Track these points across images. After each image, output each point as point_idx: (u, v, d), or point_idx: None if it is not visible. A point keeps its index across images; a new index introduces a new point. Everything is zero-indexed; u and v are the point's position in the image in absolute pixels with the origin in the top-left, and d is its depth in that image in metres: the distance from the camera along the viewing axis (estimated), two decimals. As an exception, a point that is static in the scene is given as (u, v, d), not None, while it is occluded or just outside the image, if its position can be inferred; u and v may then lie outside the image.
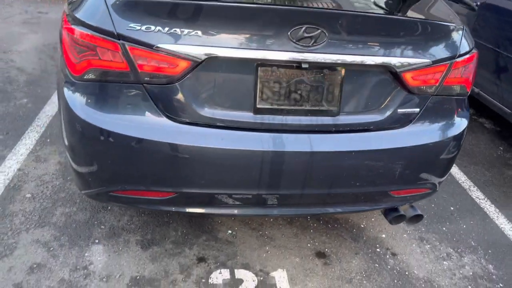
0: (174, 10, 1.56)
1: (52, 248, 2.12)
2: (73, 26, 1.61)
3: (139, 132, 1.64)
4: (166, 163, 1.68)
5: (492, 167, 3.43)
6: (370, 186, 1.88)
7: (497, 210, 2.90)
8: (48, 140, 2.99)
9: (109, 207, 2.42)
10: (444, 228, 2.64)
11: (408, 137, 1.85)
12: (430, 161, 1.93)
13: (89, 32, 1.57)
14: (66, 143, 1.76)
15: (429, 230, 2.60)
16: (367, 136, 1.81)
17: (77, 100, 1.65)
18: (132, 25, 1.54)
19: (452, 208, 2.84)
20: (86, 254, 2.12)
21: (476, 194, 3.05)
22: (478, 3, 4.02)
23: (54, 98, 3.57)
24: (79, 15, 1.62)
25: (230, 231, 2.37)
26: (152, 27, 1.54)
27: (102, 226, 2.30)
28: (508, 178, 3.31)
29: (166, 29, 1.55)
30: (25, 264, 2.02)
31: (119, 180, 1.74)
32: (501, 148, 3.76)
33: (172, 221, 2.38)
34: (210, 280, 2.06)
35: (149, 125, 1.65)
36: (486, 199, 3.00)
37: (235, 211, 1.90)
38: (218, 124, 1.68)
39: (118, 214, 2.39)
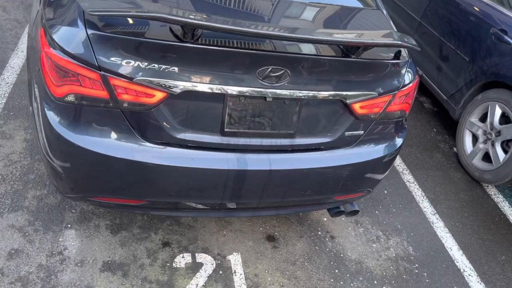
0: (152, 48, 1.69)
1: (27, 234, 2.32)
2: (55, 52, 1.71)
3: (117, 152, 1.82)
4: (141, 178, 1.88)
5: (424, 149, 3.87)
6: (318, 195, 2.20)
7: (423, 193, 3.35)
8: (12, 113, 3.04)
9: (78, 190, 2.60)
10: (376, 212, 3.07)
11: (353, 155, 2.14)
12: (369, 173, 2.26)
13: (71, 60, 1.68)
14: (50, 155, 1.90)
15: (364, 214, 3.01)
16: (318, 155, 2.09)
17: (58, 120, 1.78)
18: (113, 58, 1.67)
19: (385, 192, 3.26)
20: (60, 240, 2.33)
21: (408, 177, 3.48)
22: (430, -10, 4.25)
23: (12, 62, 3.53)
24: (59, 40, 1.70)
25: (190, 217, 2.65)
26: (132, 62, 1.68)
27: (73, 210, 2.50)
28: (436, 161, 3.76)
29: (145, 64, 1.69)
30: (3, 250, 2.21)
31: (97, 190, 1.94)
32: (435, 130, 4.20)
33: (138, 205, 2.61)
34: (174, 264, 2.36)
35: (126, 145, 1.83)
36: (415, 182, 3.44)
37: (199, 214, 2.17)
38: (189, 145, 1.89)
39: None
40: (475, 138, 3.71)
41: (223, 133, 1.91)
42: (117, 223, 2.50)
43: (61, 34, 1.72)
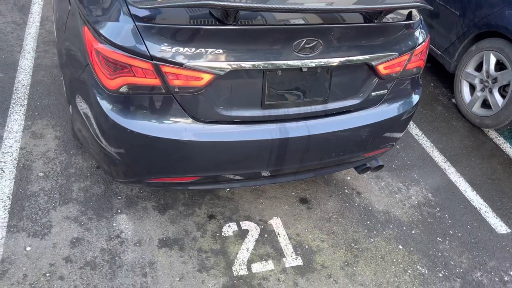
0: (198, 34, 1.82)
1: (83, 223, 2.46)
2: (105, 46, 1.83)
3: (171, 133, 1.97)
4: (195, 156, 2.04)
5: (426, 104, 4.09)
6: (350, 154, 2.39)
7: (432, 144, 3.58)
8: (36, 113, 3.13)
9: (119, 178, 2.75)
10: (393, 166, 3.29)
11: (380, 113, 2.33)
12: (394, 129, 2.46)
13: (123, 53, 1.80)
14: (104, 144, 2.04)
15: (383, 169, 3.23)
16: (349, 116, 2.27)
17: (112, 109, 1.92)
18: (163, 47, 1.80)
19: (398, 147, 3.48)
20: (114, 224, 2.49)
21: (415, 131, 3.70)
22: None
23: (22, 64, 3.59)
24: (108, 34, 1.82)
25: (228, 189, 2.83)
26: (181, 48, 1.81)
27: (119, 197, 2.65)
28: (438, 113, 3.99)
29: (193, 49, 1.83)
30: (65, 239, 2.36)
31: (155, 172, 2.10)
32: (432, 85, 4.42)
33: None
34: (222, 234, 2.55)
35: (179, 126, 1.98)
36: (423, 135, 3.67)
37: (247, 184, 2.35)
38: (235, 120, 2.05)
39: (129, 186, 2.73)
40: (472, 88, 3.94)
41: (264, 106, 2.07)
42: (162, 203, 2.66)
43: (110, 29, 1.83)
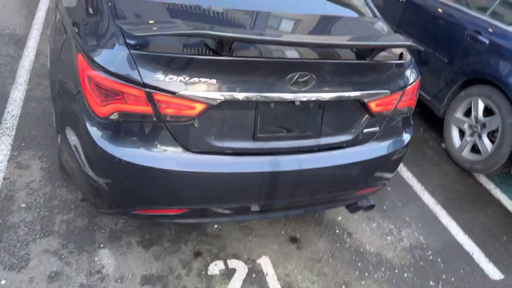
0: (192, 63, 1.83)
1: (63, 256, 2.36)
2: (98, 73, 1.81)
3: (160, 163, 1.93)
4: (183, 187, 1.99)
5: (416, 147, 4.11)
6: (342, 191, 2.36)
7: (422, 187, 3.57)
8: (23, 144, 3.07)
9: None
10: (384, 207, 3.25)
11: (372, 150, 2.33)
12: (385, 167, 2.44)
13: (116, 80, 1.79)
14: (90, 173, 1.98)
15: (374, 210, 3.18)
16: (341, 152, 2.25)
17: (104, 137, 1.88)
18: (157, 75, 1.79)
19: (389, 188, 3.46)
20: (96, 259, 2.38)
21: (406, 174, 3.69)
22: (403, 0, 4.57)
23: (14, 95, 3.57)
24: (102, 61, 1.82)
25: (216, 225, 2.75)
26: (174, 77, 1.81)
27: (102, 231, 2.55)
28: (428, 157, 4.01)
29: (186, 78, 1.82)
30: (43, 273, 2.25)
31: (141, 203, 2.03)
32: (422, 129, 4.46)
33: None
34: (209, 272, 2.45)
35: (169, 156, 1.94)
36: (413, 177, 3.66)
37: (236, 218, 2.29)
38: (226, 152, 2.02)
39: (114, 218, 2.65)
40: (461, 133, 3.98)
41: (256, 139, 2.05)
42: (147, 238, 2.57)
43: (104, 56, 1.83)
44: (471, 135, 3.85)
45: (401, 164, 3.76)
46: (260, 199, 2.15)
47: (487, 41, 3.67)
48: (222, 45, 1.80)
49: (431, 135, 4.39)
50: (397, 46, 2.09)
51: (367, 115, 2.25)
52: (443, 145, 4.19)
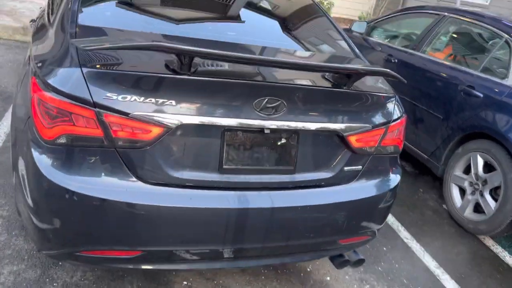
0: (149, 82, 1.68)
1: (3, 311, 2.05)
2: (46, 93, 1.67)
3: (111, 194, 1.70)
4: (136, 223, 1.75)
5: (415, 208, 3.83)
6: (322, 236, 2.08)
7: (422, 248, 3.24)
8: (-14, 192, 2.87)
9: (60, 263, 2.38)
10: (379, 268, 2.91)
11: (354, 191, 2.09)
12: (371, 212, 2.18)
13: (64, 99, 1.64)
14: (31, 204, 1.76)
15: (368, 271, 2.85)
16: (319, 192, 2.02)
17: (48, 164, 1.68)
18: (108, 94, 1.64)
19: (385, 249, 3.14)
20: (41, 315, 2.07)
21: (404, 234, 3.38)
22: (396, 60, 4.55)
23: (-11, 145, 3.43)
24: (52, 81, 1.68)
25: (185, 282, 2.44)
26: (128, 97, 1.65)
27: (54, 284, 2.25)
28: (428, 218, 3.71)
29: (142, 98, 1.66)
30: (-25, 330, 1.93)
31: (87, 241, 1.78)
32: (421, 190, 4.21)
33: (127, 275, 2.40)
34: (171, 334, 2.11)
35: (120, 187, 1.72)
36: (412, 238, 3.34)
37: (199, 265, 2.00)
38: (187, 184, 1.80)
39: (71, 269, 2.36)
40: (462, 191, 3.72)
41: (222, 170, 1.84)
42: (104, 294, 2.26)
43: (54, 75, 1.70)
44: (472, 193, 3.58)
45: (398, 224, 3.47)
46: (226, 241, 1.88)
47: (481, 95, 3.55)
48: (182, 63, 1.66)
49: (431, 196, 4.12)
50: (372, 72, 1.94)
51: (347, 151, 2.05)
52: (444, 206, 3.91)
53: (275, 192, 1.93)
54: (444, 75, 3.99)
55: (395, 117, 2.15)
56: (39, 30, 2.35)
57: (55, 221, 1.73)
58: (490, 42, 3.88)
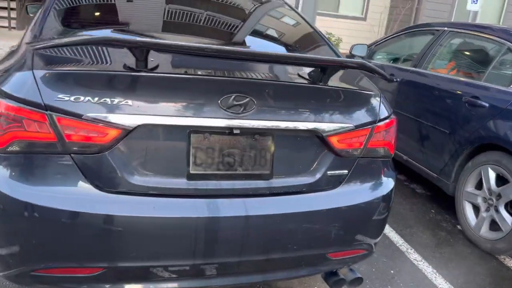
0: (103, 81, 1.58)
1: None
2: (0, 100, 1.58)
3: (66, 204, 1.57)
4: (95, 236, 1.60)
5: (426, 229, 3.56)
6: (307, 249, 1.88)
7: (434, 270, 2.96)
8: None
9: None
10: (386, 292, 2.65)
11: (340, 198, 1.90)
12: (363, 221, 1.98)
13: (15, 104, 1.55)
14: None
15: (372, 295, 2.60)
16: (300, 198, 1.84)
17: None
18: (60, 96, 1.54)
19: (392, 272, 2.88)
20: None
21: (414, 256, 3.12)
22: (399, 79, 4.42)
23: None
24: (5, 88, 1.60)
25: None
26: (81, 97, 1.55)
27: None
28: (441, 239, 3.43)
29: (96, 99, 1.56)
30: None
31: (43, 258, 1.62)
32: (433, 211, 3.94)
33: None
34: None
35: (76, 196, 1.59)
36: (423, 260, 3.07)
37: (172, 285, 1.81)
38: (150, 192, 1.65)
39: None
40: (476, 209, 3.46)
41: (189, 176, 1.70)
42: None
43: (8, 81, 1.61)
44: (487, 209, 3.32)
45: (408, 246, 3.21)
46: (197, 255, 1.71)
47: (486, 105, 3.36)
48: (138, 59, 1.56)
49: (444, 217, 3.85)
50: (348, 64, 1.81)
51: (330, 154, 1.88)
52: (459, 226, 3.63)
53: (250, 199, 1.77)
54: (447, 88, 3.82)
55: (381, 117, 1.99)
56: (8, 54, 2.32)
57: (5, 236, 1.60)
58: (492, 52, 3.73)
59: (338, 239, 1.92)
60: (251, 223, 1.74)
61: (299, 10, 8.48)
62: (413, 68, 4.34)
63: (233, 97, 1.67)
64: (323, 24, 10.42)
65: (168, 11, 2.30)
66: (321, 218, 1.85)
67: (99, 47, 1.70)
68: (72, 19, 2.13)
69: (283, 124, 1.76)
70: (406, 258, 3.08)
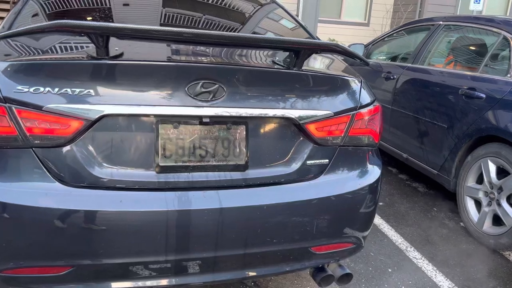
0: (63, 71, 1.53)
1: None
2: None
3: (28, 200, 1.51)
4: (61, 232, 1.53)
5: (427, 227, 3.44)
6: (288, 243, 1.79)
7: (435, 268, 2.84)
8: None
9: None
10: (382, 291, 2.54)
11: (320, 188, 1.82)
12: (346, 213, 1.89)
13: None
14: None
15: (368, 294, 2.49)
16: (278, 189, 1.76)
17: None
18: (19, 87, 1.49)
19: (390, 270, 2.76)
20: None
21: (413, 254, 3.00)
22: (395, 77, 4.33)
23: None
24: None
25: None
26: (41, 89, 1.50)
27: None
28: (443, 237, 3.31)
29: (56, 89, 1.50)
30: None
31: (9, 257, 1.56)
32: (435, 209, 3.81)
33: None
34: None
35: (39, 191, 1.53)
36: (423, 258, 2.95)
37: (144, 283, 1.72)
38: (117, 185, 1.59)
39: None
40: (478, 204, 3.33)
41: (158, 169, 1.63)
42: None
43: None
44: (489, 204, 3.19)
45: (407, 244, 3.10)
46: (169, 251, 1.63)
47: (483, 96, 3.26)
48: (98, 46, 1.51)
49: (446, 214, 3.72)
50: (320, 47, 1.73)
51: (308, 142, 1.80)
52: (462, 223, 3.50)
53: (224, 191, 1.69)
54: (443, 82, 3.72)
55: (363, 103, 1.91)
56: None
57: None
58: (487, 42, 3.63)
59: (321, 232, 1.82)
60: (226, 216, 1.66)
61: (299, 18, 8.44)
62: (409, 65, 4.26)
63: (200, 83, 1.60)
64: (325, 31, 10.40)
65: (140, 5, 2.26)
66: (301, 210, 1.77)
67: (61, 37, 1.65)
68: (44, 15, 2.09)
69: (256, 112, 1.69)
70: (405, 256, 2.96)
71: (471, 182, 3.36)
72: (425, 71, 4.01)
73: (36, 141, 1.51)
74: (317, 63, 2.03)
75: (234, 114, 1.65)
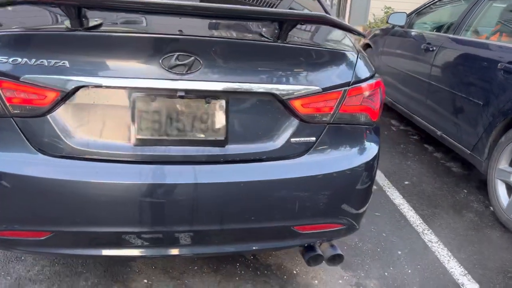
0: (39, 42, 1.55)
1: None
2: None
3: (8, 167, 1.57)
4: (38, 199, 1.59)
5: (453, 210, 3.25)
6: (268, 221, 1.76)
7: (449, 253, 2.70)
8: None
9: (22, 257, 2.30)
10: (386, 273, 2.45)
11: (304, 167, 1.74)
12: (333, 193, 1.81)
13: None
14: None
15: (369, 276, 2.41)
16: (258, 167, 1.72)
17: None
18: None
19: (399, 252, 2.66)
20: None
21: (429, 237, 2.86)
22: (434, 48, 4.05)
23: None
24: None
25: (146, 281, 2.22)
26: (19, 59, 1.53)
27: (8, 277, 2.17)
28: (467, 221, 3.12)
29: (33, 60, 1.53)
30: None
31: (-8, 220, 1.65)
32: (465, 191, 3.59)
33: (86, 271, 2.24)
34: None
35: (19, 159, 1.58)
36: (439, 242, 2.81)
37: (120, 252, 1.77)
38: (94, 157, 1.61)
39: (31, 264, 2.26)
40: (510, 188, 3.10)
41: (135, 141, 1.63)
42: (54, 289, 2.12)
43: None
44: (520, 189, 2.96)
45: (425, 226, 2.95)
46: (144, 222, 1.65)
47: (523, 70, 2.97)
48: (70, 17, 1.51)
49: (477, 197, 3.50)
50: (305, 18, 1.62)
51: (293, 119, 1.73)
52: (492, 208, 3.28)
53: (202, 166, 1.67)
54: (482, 55, 3.43)
55: (358, 78, 1.79)
56: None
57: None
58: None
59: (302, 212, 1.77)
60: (202, 191, 1.64)
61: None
62: (449, 35, 3.96)
63: (175, 56, 1.56)
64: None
65: None
66: (282, 188, 1.72)
67: (37, 8, 1.67)
68: None
69: (236, 86, 1.63)
70: (419, 238, 2.83)
71: (503, 164, 3.12)
72: (464, 42, 3.71)
73: (15, 111, 1.56)
74: (313, 35, 1.92)
75: (210, 88, 1.61)
